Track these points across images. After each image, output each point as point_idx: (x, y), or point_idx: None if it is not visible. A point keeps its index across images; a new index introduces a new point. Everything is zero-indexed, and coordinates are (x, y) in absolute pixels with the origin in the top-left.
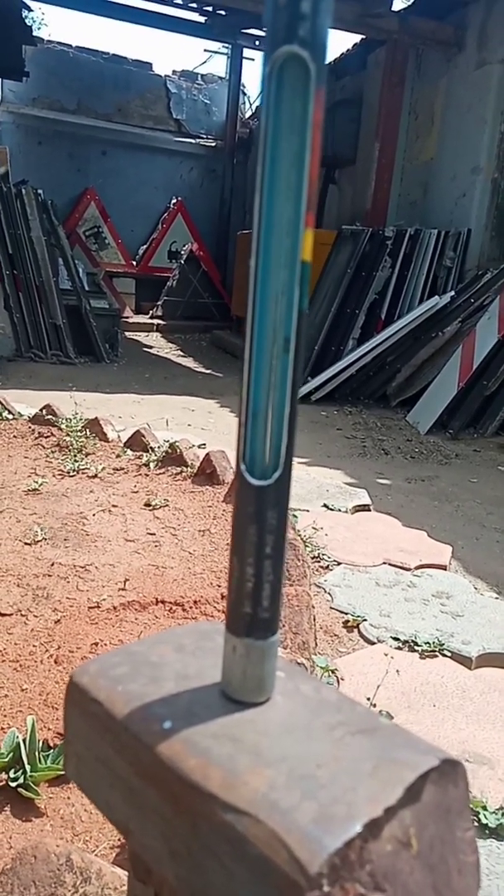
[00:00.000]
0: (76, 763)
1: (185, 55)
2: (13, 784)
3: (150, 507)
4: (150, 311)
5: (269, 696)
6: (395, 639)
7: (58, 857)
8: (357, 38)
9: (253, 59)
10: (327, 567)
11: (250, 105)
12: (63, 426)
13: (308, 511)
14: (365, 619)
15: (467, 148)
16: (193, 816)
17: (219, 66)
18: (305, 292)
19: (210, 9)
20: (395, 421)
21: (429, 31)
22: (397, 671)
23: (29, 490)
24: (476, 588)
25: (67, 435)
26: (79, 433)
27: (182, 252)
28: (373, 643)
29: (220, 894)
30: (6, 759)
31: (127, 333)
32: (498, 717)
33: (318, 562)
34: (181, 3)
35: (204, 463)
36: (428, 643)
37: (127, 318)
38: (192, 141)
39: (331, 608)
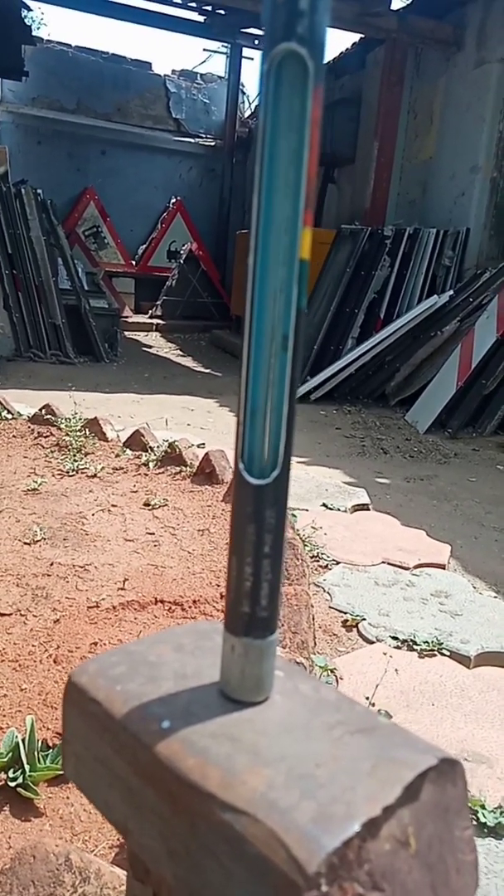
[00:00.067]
0: (75, 763)
1: (185, 55)
2: (12, 784)
3: (150, 507)
4: (150, 311)
5: (268, 695)
6: (394, 638)
7: (57, 856)
8: (356, 37)
9: (252, 59)
10: (326, 566)
11: (249, 104)
12: (62, 426)
13: (307, 510)
14: (364, 619)
15: (466, 147)
16: (192, 816)
17: (218, 65)
18: (304, 290)
19: (209, 8)
20: (394, 420)
21: (428, 30)
22: (396, 670)
23: (28, 490)
24: (475, 587)
25: (67, 435)
26: (78, 433)
27: (181, 251)
28: (371, 642)
29: (219, 894)
30: (5, 759)
31: (126, 333)
32: (496, 716)
33: (317, 561)
34: (180, 2)
35: (203, 462)
36: (427, 642)
37: (126, 317)
38: (192, 140)
39: (330, 607)
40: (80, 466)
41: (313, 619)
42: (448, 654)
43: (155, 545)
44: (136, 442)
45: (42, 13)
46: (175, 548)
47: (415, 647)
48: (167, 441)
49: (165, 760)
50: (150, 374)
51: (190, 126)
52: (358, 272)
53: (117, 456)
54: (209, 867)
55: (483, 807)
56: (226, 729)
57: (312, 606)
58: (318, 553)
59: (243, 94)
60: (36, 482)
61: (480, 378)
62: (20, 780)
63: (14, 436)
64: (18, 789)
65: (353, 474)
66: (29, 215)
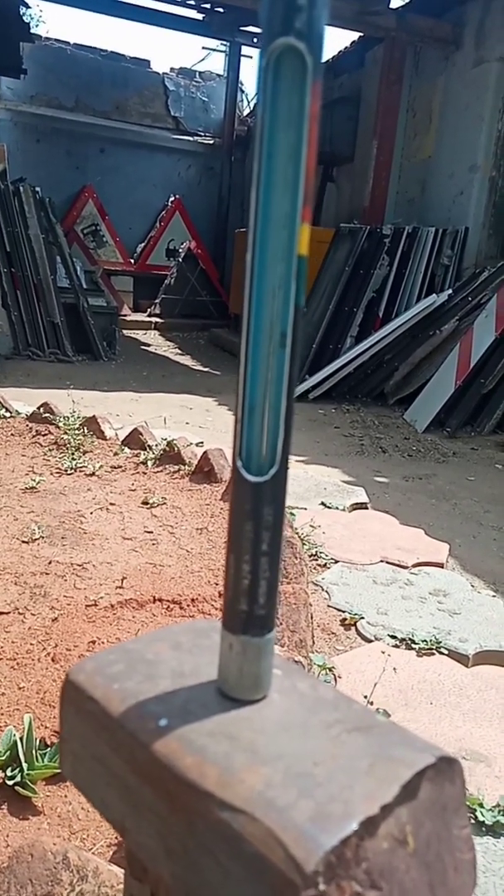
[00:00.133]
0: (72, 761)
1: (183, 53)
2: (10, 782)
3: (148, 506)
4: (148, 310)
5: (266, 693)
6: (393, 636)
7: (54, 855)
8: (355, 35)
9: (251, 57)
10: (325, 565)
11: (248, 103)
12: (61, 424)
13: (306, 509)
14: (362, 617)
15: (465, 146)
16: (189, 814)
17: (217, 63)
18: (302, 287)
19: (208, 6)
20: (393, 419)
21: (426, 29)
22: (394, 669)
23: (26, 488)
24: (473, 586)
25: (65, 433)
26: (76, 431)
27: (180, 250)
28: (370, 641)
29: (216, 892)
30: (3, 758)
31: (125, 331)
32: (495, 715)
33: (316, 560)
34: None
35: (202, 461)
36: (425, 641)
37: (125, 316)
38: (190, 138)
39: (328, 606)
40: (79, 465)
41: (312, 617)
42: (446, 652)
43: (153, 544)
44: (134, 440)
45: (40, 10)
46: (173, 546)
47: (413, 645)
48: (166, 439)
49: (163, 759)
50: (148, 373)
51: (189, 124)
52: (357, 271)
53: (116, 454)
54: (207, 866)
55: (481, 805)
56: (223, 727)
57: (311, 605)
58: (316, 552)
59: (242, 92)
60: (34, 480)
61: (479, 377)
62: (18, 779)
63: (12, 434)
64: (16, 788)
65: (351, 473)
66: (27, 213)
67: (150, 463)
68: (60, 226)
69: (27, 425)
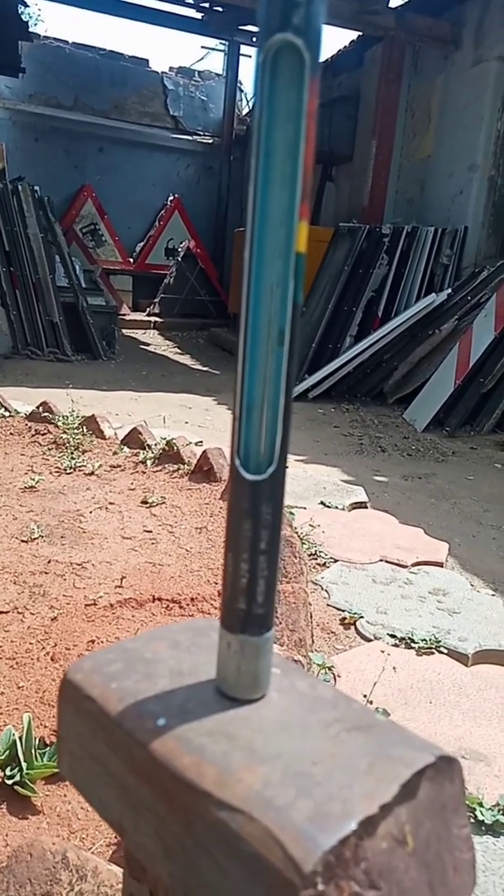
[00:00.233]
0: (70, 760)
1: (182, 52)
2: (9, 781)
3: (147, 505)
4: (147, 309)
5: (265, 692)
6: (392, 636)
7: (54, 854)
8: (354, 34)
9: (250, 56)
10: (324, 564)
11: (247, 102)
12: (60, 423)
13: (305, 508)
14: (361, 616)
15: (464, 145)
16: (187, 814)
17: (216, 62)
18: (300, 284)
19: (207, 5)
20: (392, 418)
21: (425, 28)
22: (394, 668)
23: (26, 487)
24: (472, 585)
25: (64, 432)
26: (76, 430)
27: (179, 249)
28: (369, 640)
29: (215, 892)
30: (2, 757)
31: (124, 331)
32: (494, 714)
33: (315, 559)
34: None
35: (201, 460)
36: (424, 640)
37: (124, 315)
38: (189, 138)
39: (327, 605)
40: (78, 464)
41: (311, 616)
42: (446, 651)
43: (152, 543)
44: (133, 440)
45: (39, 9)
46: (173, 545)
47: (413, 644)
48: (165, 439)
49: (161, 758)
50: (147, 372)
51: (188, 123)
52: (356, 270)
53: (115, 454)
54: (205, 865)
55: (481, 804)
56: (222, 726)
57: (310, 604)
58: (315, 551)
59: (241, 91)
60: (33, 479)
61: (478, 376)
62: (17, 778)
63: (11, 433)
64: (15, 787)
65: (351, 472)
66: (26, 212)
67: (149, 462)
68: (59, 225)
69: (26, 424)
